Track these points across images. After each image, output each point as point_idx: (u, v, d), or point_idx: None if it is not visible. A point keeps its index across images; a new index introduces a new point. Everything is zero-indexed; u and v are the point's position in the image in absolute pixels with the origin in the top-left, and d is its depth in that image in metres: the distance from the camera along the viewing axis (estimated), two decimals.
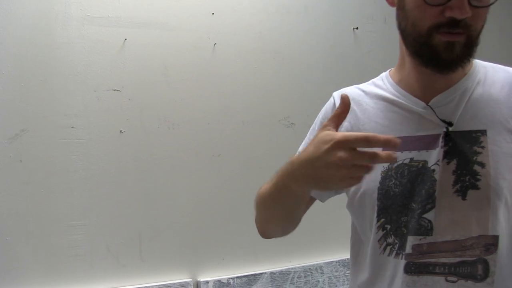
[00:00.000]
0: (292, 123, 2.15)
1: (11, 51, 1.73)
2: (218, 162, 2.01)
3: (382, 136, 0.75)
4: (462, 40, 0.86)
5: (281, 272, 2.06)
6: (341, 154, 0.74)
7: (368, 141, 0.74)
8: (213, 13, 2.02)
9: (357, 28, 2.27)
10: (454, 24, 0.85)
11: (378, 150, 0.76)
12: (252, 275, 2.01)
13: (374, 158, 0.75)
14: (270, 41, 2.13)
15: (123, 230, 1.85)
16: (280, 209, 0.98)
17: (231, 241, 2.02)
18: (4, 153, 1.70)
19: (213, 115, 2.01)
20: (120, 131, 1.86)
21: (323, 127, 0.81)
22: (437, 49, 0.87)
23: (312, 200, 1.08)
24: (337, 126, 0.81)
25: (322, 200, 1.10)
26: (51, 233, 1.75)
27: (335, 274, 2.15)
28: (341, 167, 0.74)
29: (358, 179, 0.77)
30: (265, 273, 2.04)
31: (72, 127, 1.79)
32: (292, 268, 2.08)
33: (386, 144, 0.75)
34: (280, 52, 2.15)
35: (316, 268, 2.13)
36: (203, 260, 1.98)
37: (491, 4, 0.86)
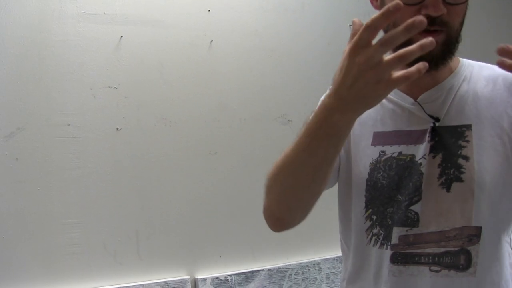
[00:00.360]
0: (289, 120, 2.15)
1: (6, 48, 1.72)
2: (215, 160, 2.01)
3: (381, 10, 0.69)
4: (441, 38, 0.88)
5: (278, 269, 2.07)
6: (359, 57, 0.71)
7: (371, 25, 0.70)
8: (209, 10, 2.01)
9: None
10: (430, 22, 0.85)
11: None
12: (249, 272, 2.01)
13: (389, 37, 0.70)
14: (266, 38, 2.13)
15: (120, 228, 1.85)
16: (311, 165, 0.86)
17: (229, 238, 2.02)
18: (0, 151, 1.70)
19: (210, 113, 2.01)
20: (117, 129, 1.85)
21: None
22: None
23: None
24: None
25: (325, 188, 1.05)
26: (48, 232, 1.75)
27: (333, 270, 2.16)
28: (367, 70, 0.71)
29: (394, 80, 0.72)
30: (263, 270, 2.04)
31: (68, 125, 1.78)
32: (289, 265, 2.09)
33: (408, 30, 0.70)
34: (276, 50, 2.15)
35: (314, 264, 2.13)
36: (200, 257, 1.98)
37: (465, 1, 0.88)
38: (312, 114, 0.83)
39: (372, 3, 1.01)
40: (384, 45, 0.71)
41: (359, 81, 0.72)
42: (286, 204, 0.96)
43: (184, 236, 1.95)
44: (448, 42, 0.89)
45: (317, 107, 0.83)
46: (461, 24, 0.91)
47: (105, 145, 1.83)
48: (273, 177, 0.94)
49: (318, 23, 2.24)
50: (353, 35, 0.75)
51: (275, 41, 2.15)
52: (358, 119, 0.94)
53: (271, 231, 1.08)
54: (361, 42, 0.72)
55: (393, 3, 0.69)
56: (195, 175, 1.97)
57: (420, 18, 0.68)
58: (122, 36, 1.87)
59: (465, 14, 0.91)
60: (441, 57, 0.90)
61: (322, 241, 2.17)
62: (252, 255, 2.06)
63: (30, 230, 1.72)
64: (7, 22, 1.72)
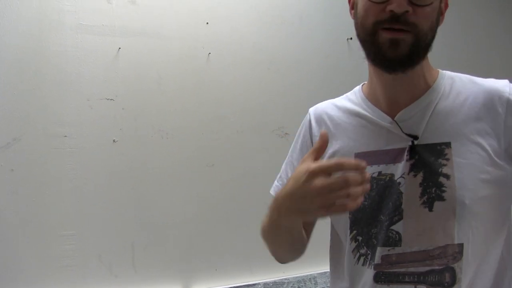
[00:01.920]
0: (285, 133, 2.14)
1: (4, 58, 1.72)
2: (212, 172, 2.00)
3: (353, 161, 0.81)
4: (408, 39, 0.88)
5: (274, 283, 2.05)
6: (316, 182, 0.77)
7: (341, 166, 0.78)
8: (207, 23, 2.02)
9: (351, 38, 2.28)
10: (394, 19, 0.87)
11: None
12: (245, 285, 2.00)
13: (347, 181, 0.77)
14: (264, 51, 2.14)
15: (115, 240, 1.84)
16: (281, 241, 1.04)
17: (225, 251, 2.01)
18: None
19: (207, 125, 2.01)
20: (113, 141, 1.85)
21: (302, 161, 0.84)
22: (382, 47, 0.89)
23: (314, 221, 1.11)
24: (315, 160, 0.83)
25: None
26: (43, 243, 1.73)
27: (329, 285, 2.14)
28: (319, 195, 0.77)
29: (342, 207, 0.78)
30: (259, 283, 2.02)
31: (65, 136, 1.78)
32: (285, 279, 2.07)
33: (356, 168, 0.78)
34: (274, 62, 2.15)
35: (310, 278, 2.11)
36: (196, 270, 1.96)
37: (431, 4, 0.88)
38: (268, 206, 0.94)
39: (351, 14, 1.01)
40: (344, 185, 0.77)
41: (307, 200, 0.79)
42: (277, 255, 1.11)
43: (180, 249, 1.94)
44: (416, 44, 0.89)
45: (271, 201, 0.93)
46: (431, 29, 0.91)
47: (102, 156, 1.83)
48: (262, 235, 1.06)
49: (316, 35, 2.25)
50: (318, 149, 0.83)
51: (272, 53, 2.15)
52: (337, 141, 1.03)
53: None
54: (327, 171, 0.78)
55: (363, 163, 0.78)
56: (191, 187, 1.97)
57: (363, 164, 0.79)
58: (120, 48, 1.87)
59: (436, 20, 0.92)
60: (407, 58, 0.90)
61: (318, 255, 2.15)
62: (249, 268, 2.05)
63: (25, 242, 1.71)
64: (5, 31, 1.72)
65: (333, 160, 0.80)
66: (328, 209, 0.78)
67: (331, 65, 2.26)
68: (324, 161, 0.80)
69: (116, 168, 1.85)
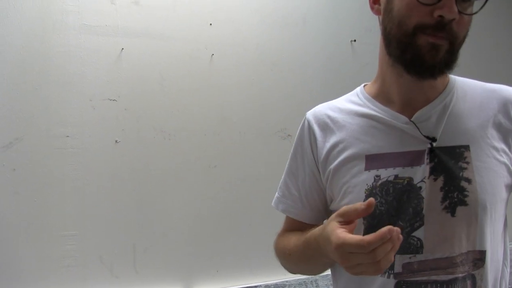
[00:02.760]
0: (288, 135, 2.14)
1: (6, 58, 1.72)
2: (214, 173, 2.00)
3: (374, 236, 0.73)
4: (446, 46, 0.86)
5: (276, 285, 2.04)
6: (342, 256, 0.76)
7: (363, 247, 0.74)
8: (211, 24, 2.02)
9: (354, 40, 2.27)
10: (440, 27, 0.84)
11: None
12: (246, 287, 1.99)
13: (374, 252, 0.74)
14: (267, 52, 2.13)
15: (117, 241, 1.83)
16: (308, 268, 1.06)
17: (226, 253, 2.00)
18: None
19: (210, 126, 2.00)
20: (116, 141, 1.84)
21: (336, 216, 0.81)
22: (421, 50, 0.86)
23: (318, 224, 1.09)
24: (347, 223, 0.80)
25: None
26: (44, 243, 1.73)
27: (330, 287, 2.13)
28: (350, 262, 0.76)
29: (378, 267, 0.75)
30: (260, 285, 2.02)
31: (67, 136, 1.78)
32: (286, 281, 2.06)
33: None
34: (277, 64, 2.15)
35: (311, 281, 2.11)
36: (197, 272, 1.96)
37: (474, 13, 0.87)
38: (313, 238, 0.90)
39: (372, 8, 0.97)
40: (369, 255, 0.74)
41: (354, 266, 0.76)
42: (294, 272, 1.10)
43: (181, 250, 1.93)
44: (451, 51, 0.87)
45: (319, 236, 0.87)
46: (464, 39, 0.89)
47: (104, 157, 1.82)
48: (279, 254, 1.08)
49: (319, 37, 2.24)
50: (357, 211, 0.79)
51: (276, 55, 2.15)
52: (344, 143, 0.99)
53: (269, 245, 1.11)
54: (350, 249, 0.76)
55: (386, 229, 0.72)
56: (194, 188, 1.96)
57: (396, 233, 0.73)
58: (123, 49, 1.87)
59: (469, 28, 0.90)
60: (445, 64, 0.87)
61: None
62: (250, 270, 2.04)
63: (26, 242, 1.71)
64: (8, 31, 1.72)
65: (355, 242, 0.75)
66: (369, 271, 0.76)
67: (335, 67, 2.25)
68: (346, 242, 0.76)
69: (118, 169, 1.84)
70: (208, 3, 2.02)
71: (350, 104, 1.04)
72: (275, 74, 2.14)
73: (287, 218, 1.11)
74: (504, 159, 0.91)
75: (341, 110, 1.04)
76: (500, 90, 0.97)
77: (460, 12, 0.84)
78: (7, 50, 1.72)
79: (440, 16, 0.83)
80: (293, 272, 1.10)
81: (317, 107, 1.09)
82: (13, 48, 1.73)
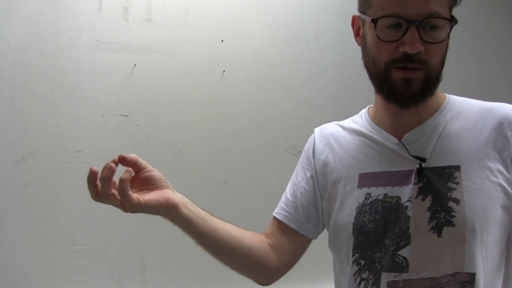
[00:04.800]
0: (299, 152, 2.13)
1: (20, 73, 1.75)
2: (225, 189, 2.00)
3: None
4: (420, 76, 0.88)
5: None
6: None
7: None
8: (222, 40, 2.04)
9: None
10: (407, 59, 0.87)
11: None
12: None
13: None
14: (278, 68, 2.14)
15: (127, 257, 1.84)
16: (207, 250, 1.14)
17: None
18: (10, 176, 1.71)
19: (221, 142, 2.01)
20: None
21: None
22: (395, 85, 0.89)
23: (305, 241, 1.10)
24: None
25: (314, 237, 1.11)
26: (54, 258, 1.74)
27: None
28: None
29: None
30: None
31: (79, 151, 1.79)
32: None
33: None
34: (288, 80, 2.16)
35: None
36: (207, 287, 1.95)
37: (442, 41, 0.88)
38: None
39: (356, 40, 1.03)
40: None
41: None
42: (238, 271, 1.19)
43: (191, 266, 1.93)
44: (427, 80, 0.89)
45: None
46: (442, 63, 0.91)
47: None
48: None
49: (330, 54, 2.25)
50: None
51: (287, 71, 2.16)
52: (341, 161, 1.04)
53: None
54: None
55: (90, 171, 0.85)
56: (204, 204, 1.93)
57: (110, 165, 0.89)
58: (135, 65, 1.89)
59: (445, 53, 0.91)
60: (420, 94, 0.90)
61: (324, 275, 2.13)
62: (261, 286, 2.03)
63: (36, 256, 1.72)
64: (23, 48, 1.75)
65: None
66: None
67: (345, 83, 2.25)
68: None
69: None
70: (219, 20, 2.05)
71: (353, 124, 1.09)
72: (286, 90, 2.15)
73: (273, 219, 1.16)
74: (499, 179, 0.90)
75: (344, 129, 1.09)
76: (497, 108, 0.96)
77: (427, 42, 0.86)
78: (21, 65, 1.75)
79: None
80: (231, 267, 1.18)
81: (325, 124, 1.15)
82: (26, 64, 1.76)
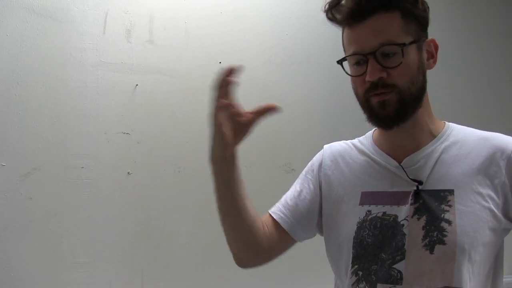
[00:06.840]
0: (292, 169, 2.19)
1: (26, 92, 1.81)
2: None
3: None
4: (393, 98, 0.98)
5: None
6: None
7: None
8: (220, 62, 2.11)
9: None
10: (374, 86, 0.99)
11: None
12: None
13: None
14: (273, 89, 2.21)
15: (126, 268, 1.89)
16: (226, 215, 1.14)
17: (235, 282, 2.03)
18: (15, 190, 1.77)
19: None
20: (128, 173, 1.92)
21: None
22: (374, 109, 1.00)
23: (288, 240, 1.16)
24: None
25: (300, 241, 1.18)
26: (56, 270, 1.79)
27: None
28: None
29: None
30: None
31: (82, 167, 1.86)
32: None
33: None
34: (282, 100, 2.22)
35: None
36: None
37: (399, 64, 0.97)
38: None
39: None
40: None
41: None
42: (231, 244, 1.20)
43: (190, 279, 1.98)
44: (401, 101, 0.98)
45: None
46: (413, 83, 0.99)
47: (116, 188, 1.90)
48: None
49: (322, 74, 2.31)
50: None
51: (281, 91, 2.22)
52: (345, 178, 1.12)
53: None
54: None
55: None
56: (202, 219, 2.01)
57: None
58: (137, 85, 1.96)
59: (418, 71, 1.00)
60: (395, 115, 1.00)
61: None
62: None
63: (39, 269, 1.77)
64: (30, 67, 1.82)
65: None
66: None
67: (338, 103, 2.30)
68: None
69: (129, 199, 1.91)
70: (218, 43, 2.12)
71: (359, 144, 1.17)
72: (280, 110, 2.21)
73: (268, 215, 1.20)
74: (490, 204, 0.98)
75: (351, 149, 1.17)
76: (492, 138, 1.04)
77: (388, 68, 0.96)
78: (27, 83, 1.81)
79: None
80: (229, 243, 1.21)
81: (334, 143, 1.23)
82: (32, 82, 1.82)
